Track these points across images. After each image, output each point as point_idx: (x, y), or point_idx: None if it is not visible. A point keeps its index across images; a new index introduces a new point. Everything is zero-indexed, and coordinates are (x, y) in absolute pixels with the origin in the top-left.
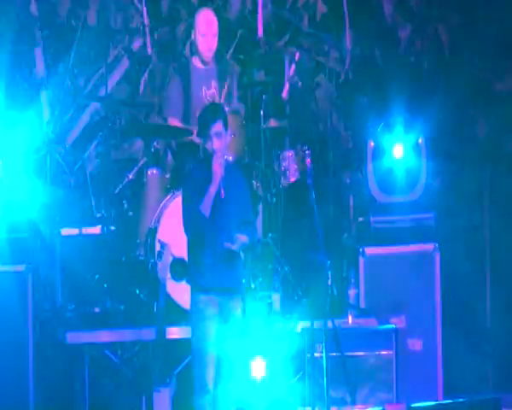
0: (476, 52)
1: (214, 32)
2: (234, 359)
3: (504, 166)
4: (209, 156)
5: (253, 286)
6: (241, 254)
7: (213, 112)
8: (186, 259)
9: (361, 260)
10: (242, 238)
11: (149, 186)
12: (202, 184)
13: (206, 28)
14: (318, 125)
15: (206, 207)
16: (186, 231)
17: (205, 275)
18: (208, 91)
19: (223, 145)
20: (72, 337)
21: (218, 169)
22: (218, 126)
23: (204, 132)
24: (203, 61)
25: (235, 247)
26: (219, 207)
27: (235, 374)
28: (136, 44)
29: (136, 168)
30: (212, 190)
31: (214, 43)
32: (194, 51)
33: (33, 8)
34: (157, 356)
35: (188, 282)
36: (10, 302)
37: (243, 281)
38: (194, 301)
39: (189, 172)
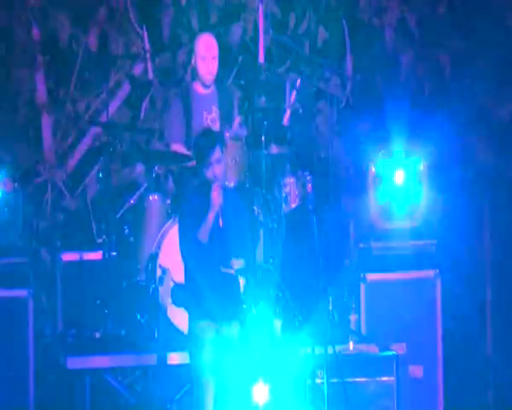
0: (477, 78)
1: (214, 55)
2: (233, 384)
3: (505, 193)
4: (206, 182)
5: (253, 312)
6: (240, 280)
7: (210, 139)
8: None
9: (362, 286)
10: (238, 263)
11: (150, 211)
12: (200, 211)
13: (205, 51)
14: (319, 151)
15: (203, 235)
16: (183, 257)
17: (200, 303)
18: (209, 116)
19: (223, 170)
20: (73, 363)
21: (216, 198)
22: (217, 153)
23: (203, 161)
24: (204, 85)
25: (232, 271)
26: (217, 235)
27: (236, 400)
28: (138, 70)
29: (137, 193)
30: (211, 217)
31: (214, 67)
32: (195, 76)
33: (34, 32)
34: (158, 382)
35: (185, 308)
36: (11, 328)
37: (244, 306)
38: (191, 328)
39: (186, 198)
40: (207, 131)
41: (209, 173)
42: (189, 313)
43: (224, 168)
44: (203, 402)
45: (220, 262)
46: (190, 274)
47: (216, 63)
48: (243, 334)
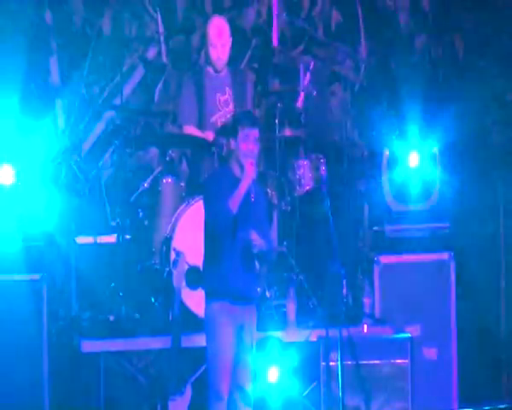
0: (491, 61)
1: (224, 41)
2: (249, 366)
3: None
4: (228, 163)
5: (268, 295)
6: (256, 263)
7: (253, 118)
8: (202, 266)
9: (376, 268)
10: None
11: (164, 195)
12: (226, 188)
13: (216, 38)
14: (333, 134)
15: (234, 204)
16: (211, 227)
17: (221, 281)
18: (222, 97)
19: (256, 152)
20: (88, 346)
21: (251, 170)
22: (256, 133)
23: (242, 133)
24: (215, 70)
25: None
26: (246, 211)
27: (251, 382)
28: (151, 53)
29: (151, 177)
30: (243, 188)
31: (225, 53)
32: (207, 60)
33: (48, 17)
34: (172, 365)
35: (203, 288)
36: (25, 311)
37: (258, 290)
38: (208, 309)
39: (209, 177)
40: (250, 112)
41: (244, 146)
42: (205, 294)
43: (256, 154)
44: (219, 384)
45: (243, 242)
46: (212, 251)
47: (226, 49)
48: (258, 317)
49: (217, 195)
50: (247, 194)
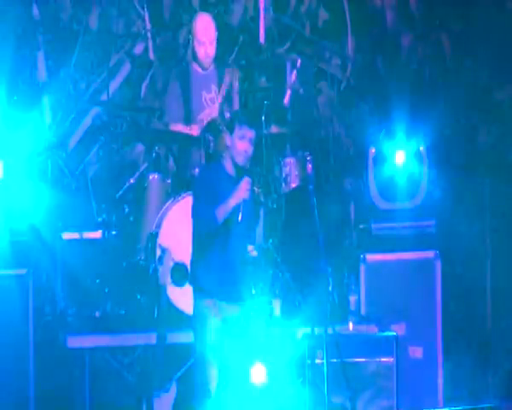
0: (478, 60)
1: (211, 38)
2: (234, 364)
3: (505, 174)
4: (218, 159)
5: (253, 292)
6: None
7: (252, 119)
8: (189, 261)
9: (362, 266)
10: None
11: (150, 191)
12: (216, 186)
13: (202, 35)
14: (320, 131)
15: (220, 215)
16: (197, 230)
17: (209, 278)
18: (208, 95)
19: (249, 154)
20: (73, 341)
21: (244, 190)
22: (253, 134)
23: (239, 132)
24: (202, 67)
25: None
26: (234, 225)
27: (236, 379)
28: (138, 49)
29: (137, 173)
30: (232, 203)
31: (212, 50)
32: (194, 57)
33: (35, 12)
34: (157, 361)
35: (191, 284)
36: (11, 306)
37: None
38: (196, 305)
39: (201, 172)
40: (251, 112)
41: (239, 145)
42: (193, 291)
43: (250, 154)
44: (205, 381)
45: (232, 245)
46: (199, 249)
47: (213, 47)
48: (244, 314)
49: (206, 195)
50: (236, 209)
